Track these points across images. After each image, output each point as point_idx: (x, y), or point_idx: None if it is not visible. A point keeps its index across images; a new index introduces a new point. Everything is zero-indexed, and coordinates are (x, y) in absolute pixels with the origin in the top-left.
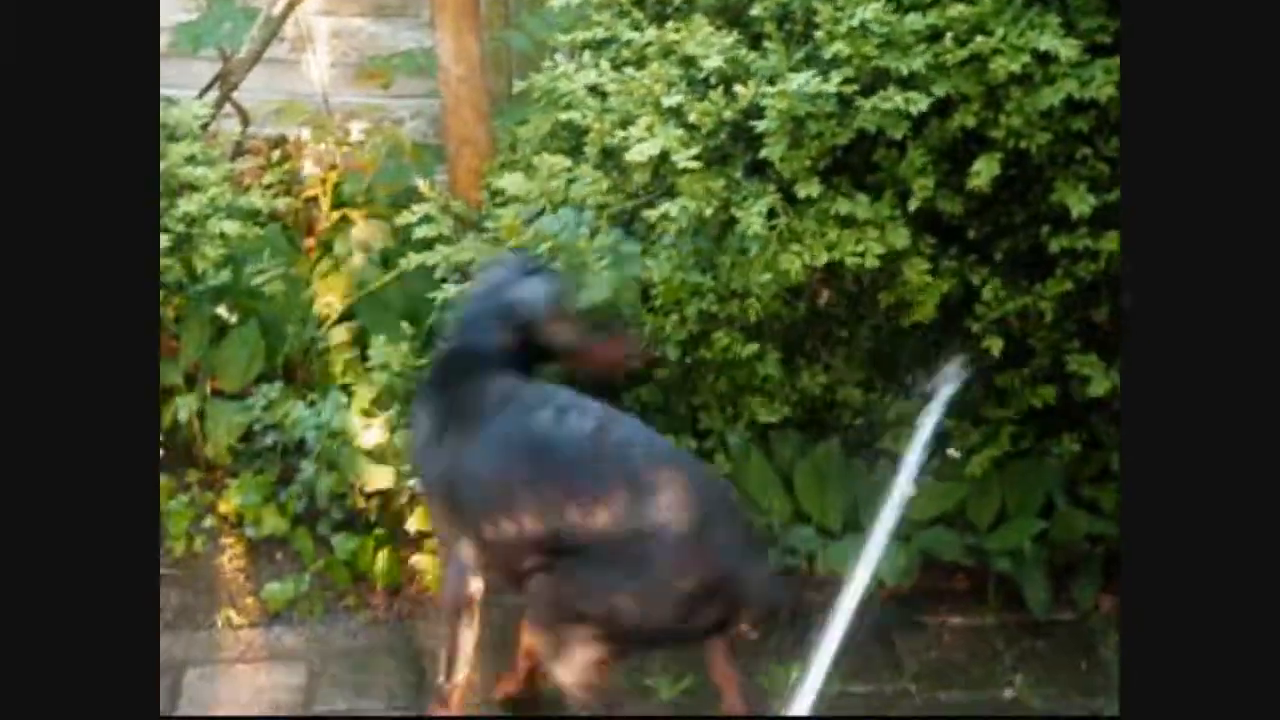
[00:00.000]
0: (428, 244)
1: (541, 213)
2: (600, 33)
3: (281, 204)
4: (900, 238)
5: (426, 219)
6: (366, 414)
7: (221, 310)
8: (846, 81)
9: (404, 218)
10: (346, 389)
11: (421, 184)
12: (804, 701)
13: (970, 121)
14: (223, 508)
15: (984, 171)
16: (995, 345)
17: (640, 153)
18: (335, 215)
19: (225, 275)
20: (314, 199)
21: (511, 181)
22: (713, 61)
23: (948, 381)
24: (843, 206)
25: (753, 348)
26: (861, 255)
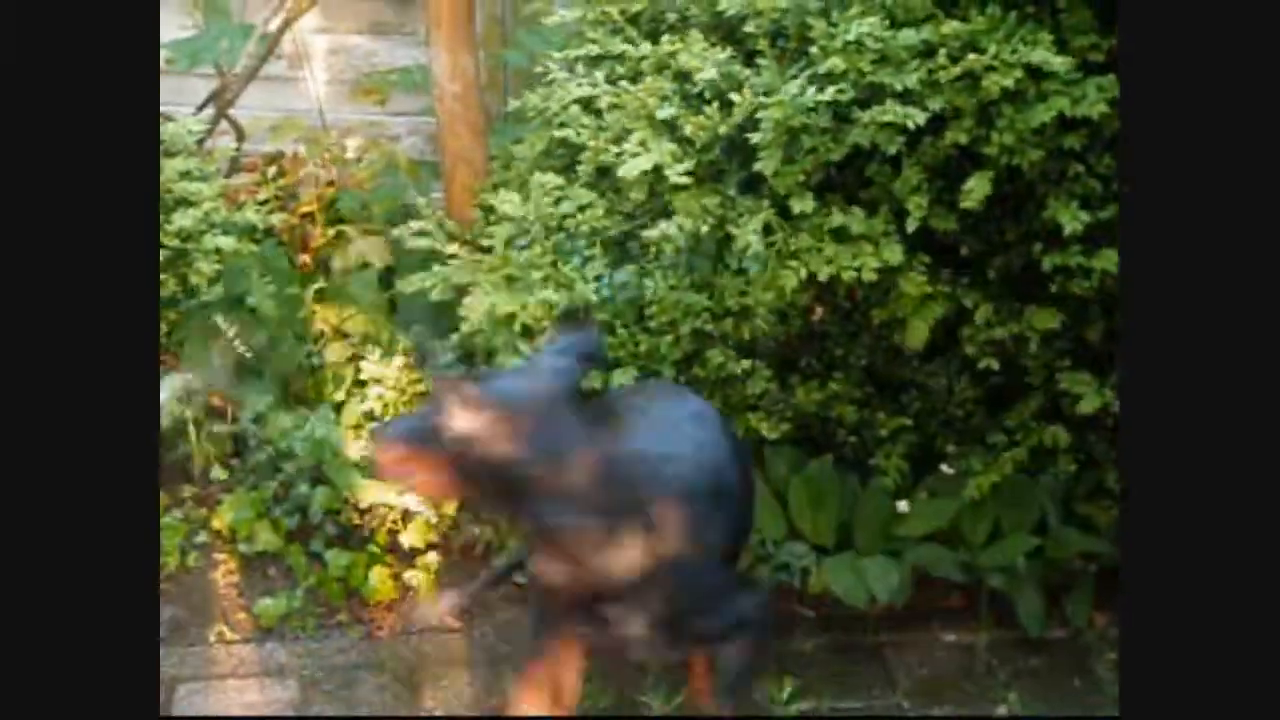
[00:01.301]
0: (424, 262)
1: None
2: (595, 49)
3: (277, 220)
4: (895, 254)
5: (422, 234)
6: (358, 428)
7: (219, 320)
8: (842, 93)
9: (400, 231)
10: (340, 406)
11: (418, 200)
12: None
13: (963, 138)
14: (216, 523)
15: (977, 190)
16: (991, 364)
17: (634, 168)
18: (331, 232)
19: (219, 290)
20: (309, 215)
21: (505, 200)
22: (708, 74)
23: None
24: (837, 220)
25: (746, 364)
26: (858, 270)
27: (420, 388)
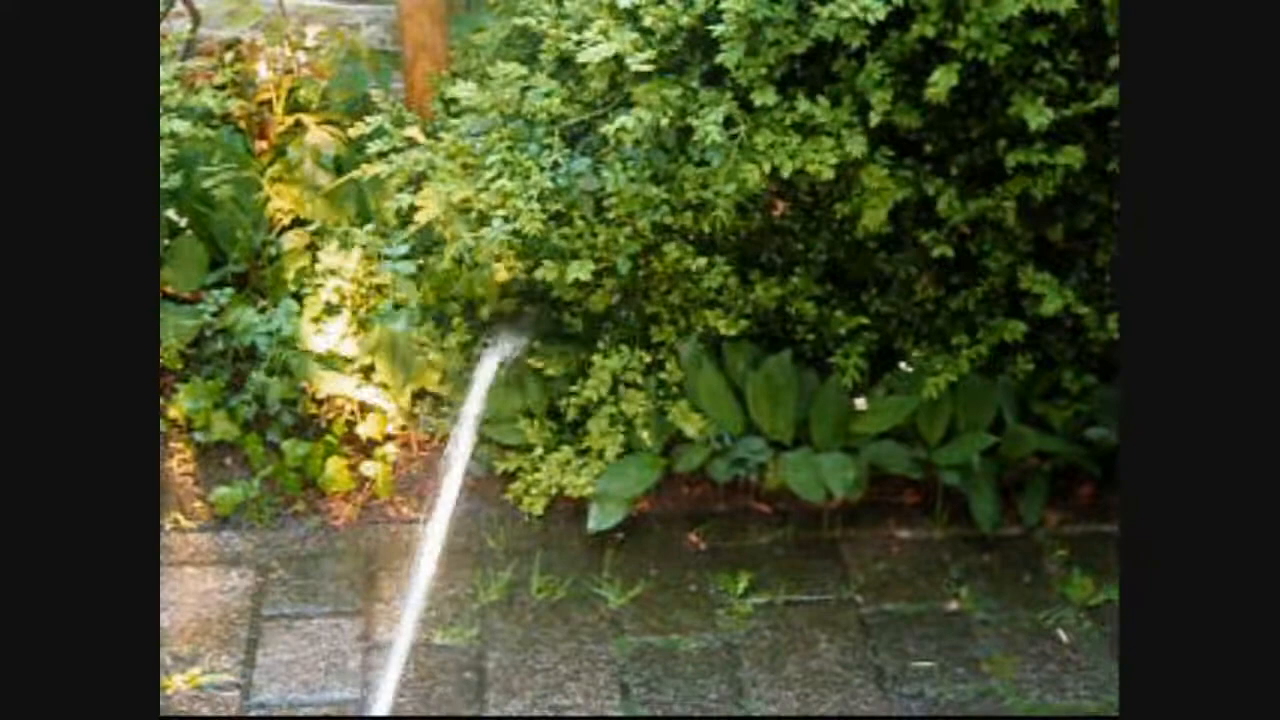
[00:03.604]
0: (381, 154)
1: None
2: None
3: (234, 106)
4: (858, 145)
5: (380, 131)
6: (317, 320)
7: (171, 214)
8: None
9: (357, 129)
10: (298, 295)
11: (375, 94)
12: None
13: (929, 32)
14: (172, 412)
15: (942, 81)
16: (946, 252)
17: (594, 55)
18: (289, 120)
19: (176, 179)
20: (267, 103)
21: (465, 91)
22: None
23: (506, 345)
24: (800, 112)
25: (702, 261)
26: (822, 164)
27: (377, 280)
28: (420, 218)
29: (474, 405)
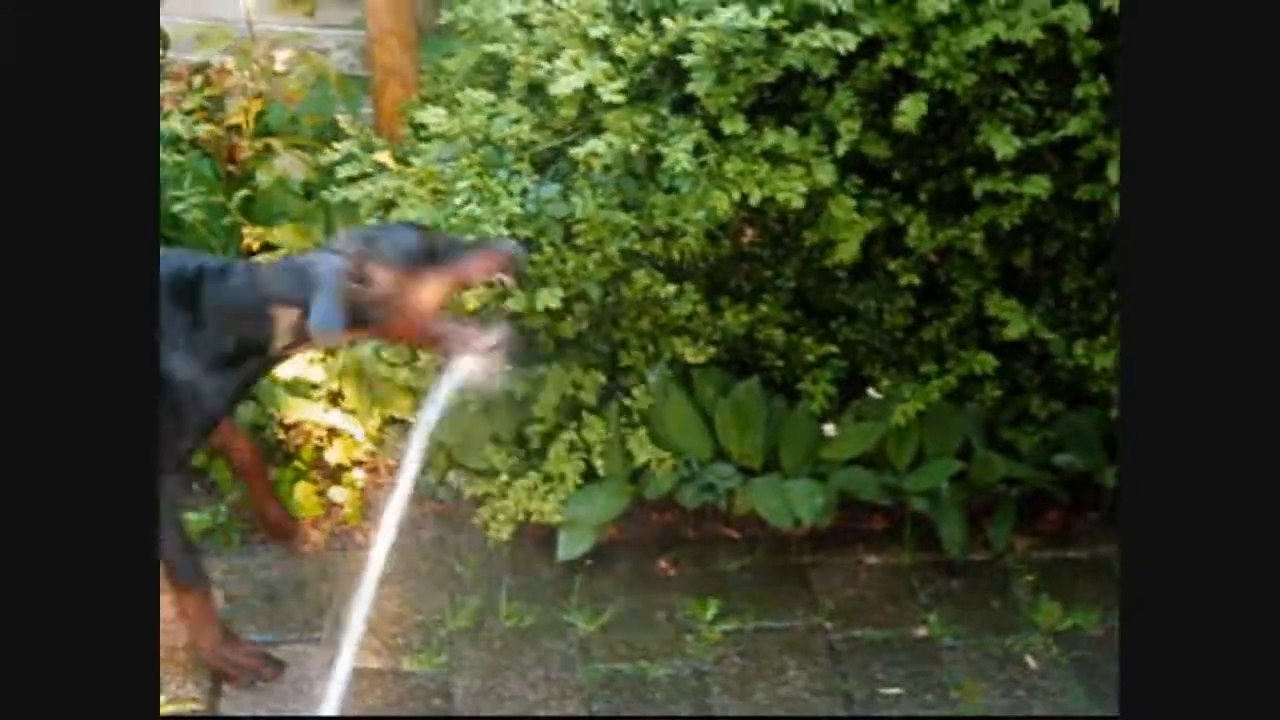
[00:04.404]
0: (350, 179)
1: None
2: None
3: (203, 131)
4: (826, 174)
5: (349, 157)
6: None
7: None
8: (775, 17)
9: (327, 156)
10: None
11: (344, 119)
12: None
13: (898, 61)
14: None
15: (911, 111)
16: (911, 280)
17: (566, 85)
18: (258, 144)
19: None
20: (236, 127)
21: (434, 116)
22: None
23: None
24: (769, 141)
25: (671, 289)
26: (791, 192)
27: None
28: None
29: (424, 424)
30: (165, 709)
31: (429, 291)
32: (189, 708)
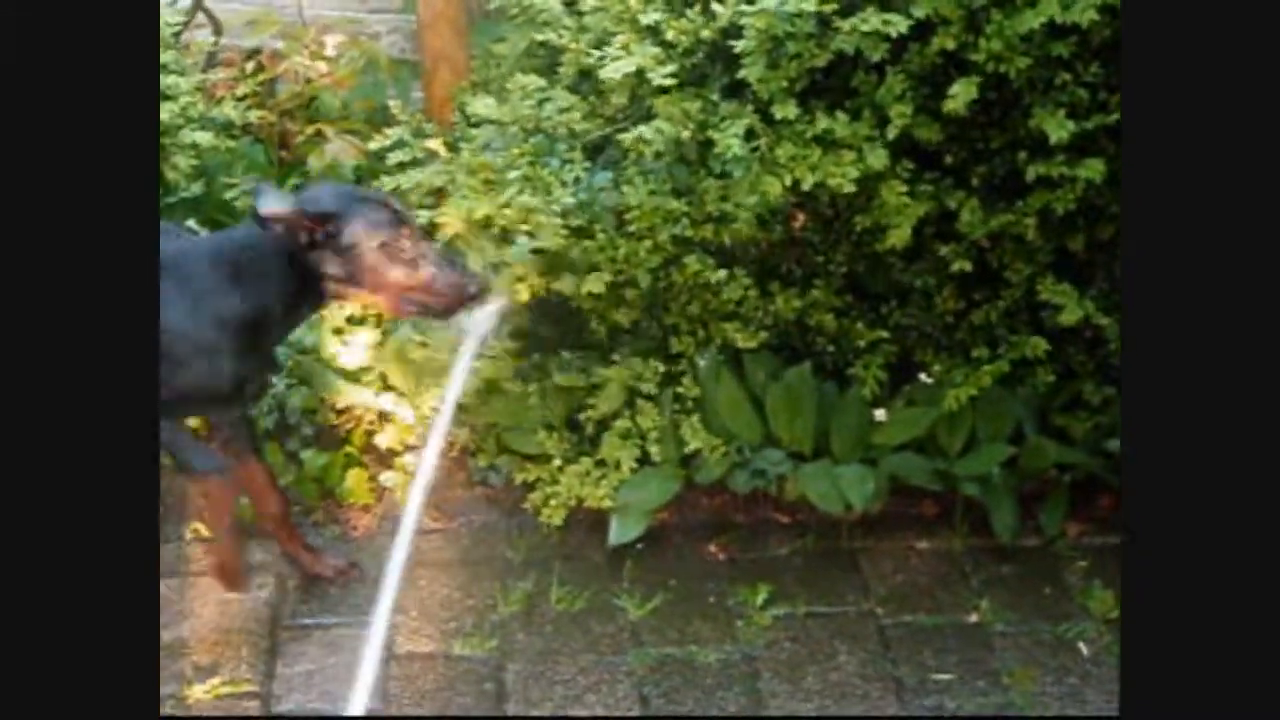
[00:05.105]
0: (401, 166)
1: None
2: None
3: (255, 117)
4: (879, 159)
5: (399, 144)
6: (339, 331)
7: (193, 224)
8: (826, 1)
9: (377, 142)
10: None
11: (394, 105)
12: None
13: (950, 44)
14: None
15: (961, 94)
16: (965, 265)
17: (616, 70)
18: (310, 130)
19: (197, 189)
20: (288, 113)
21: (483, 104)
22: None
23: (483, 321)
24: (821, 126)
25: (721, 274)
26: (843, 177)
27: None
28: (442, 235)
29: (454, 389)
30: (220, 690)
31: (397, 271)
32: (242, 688)
